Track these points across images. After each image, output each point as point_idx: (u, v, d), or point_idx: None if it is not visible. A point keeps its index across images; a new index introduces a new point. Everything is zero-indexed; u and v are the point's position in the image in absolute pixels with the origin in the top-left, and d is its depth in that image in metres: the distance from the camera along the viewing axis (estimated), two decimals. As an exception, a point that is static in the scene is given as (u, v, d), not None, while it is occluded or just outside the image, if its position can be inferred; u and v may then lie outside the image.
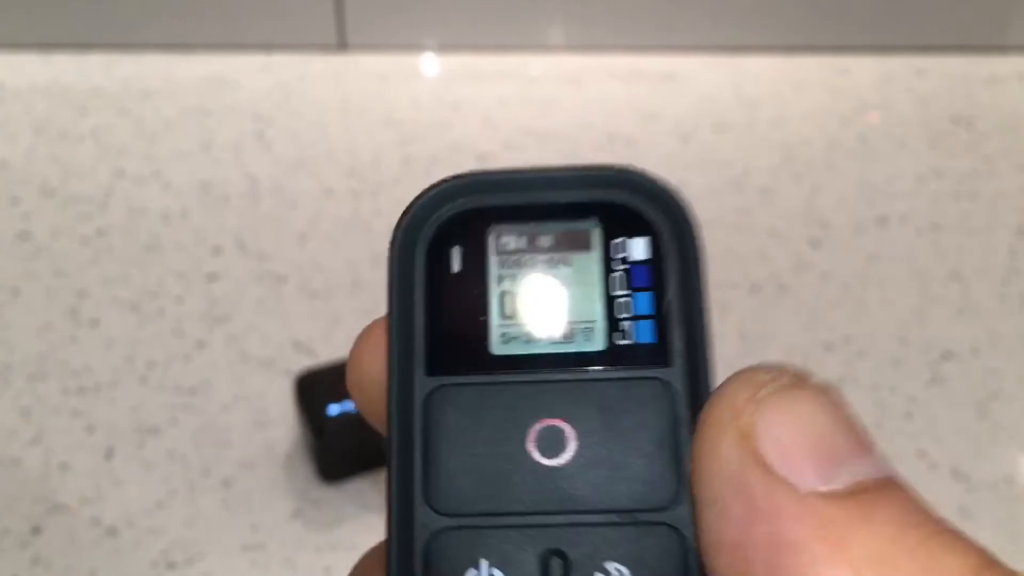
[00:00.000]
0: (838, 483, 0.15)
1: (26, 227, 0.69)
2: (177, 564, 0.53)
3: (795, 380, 0.16)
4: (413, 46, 0.82)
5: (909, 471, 0.59)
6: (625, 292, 0.16)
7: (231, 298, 0.65)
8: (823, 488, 0.14)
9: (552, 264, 0.17)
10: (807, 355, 0.63)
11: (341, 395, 0.54)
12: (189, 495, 0.56)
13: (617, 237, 0.17)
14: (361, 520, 0.55)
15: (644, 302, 0.16)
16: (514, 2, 0.80)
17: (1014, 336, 0.65)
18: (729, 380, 0.15)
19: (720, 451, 0.14)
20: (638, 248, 0.17)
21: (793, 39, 0.83)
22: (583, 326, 0.16)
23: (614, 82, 0.80)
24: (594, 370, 0.16)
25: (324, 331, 0.63)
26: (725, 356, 0.62)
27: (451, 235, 0.17)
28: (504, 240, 0.17)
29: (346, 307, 0.64)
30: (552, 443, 0.16)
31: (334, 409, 0.54)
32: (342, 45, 0.82)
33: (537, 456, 0.16)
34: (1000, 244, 0.70)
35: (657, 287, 0.16)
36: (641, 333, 0.16)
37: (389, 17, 0.81)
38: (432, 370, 0.17)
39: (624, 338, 0.16)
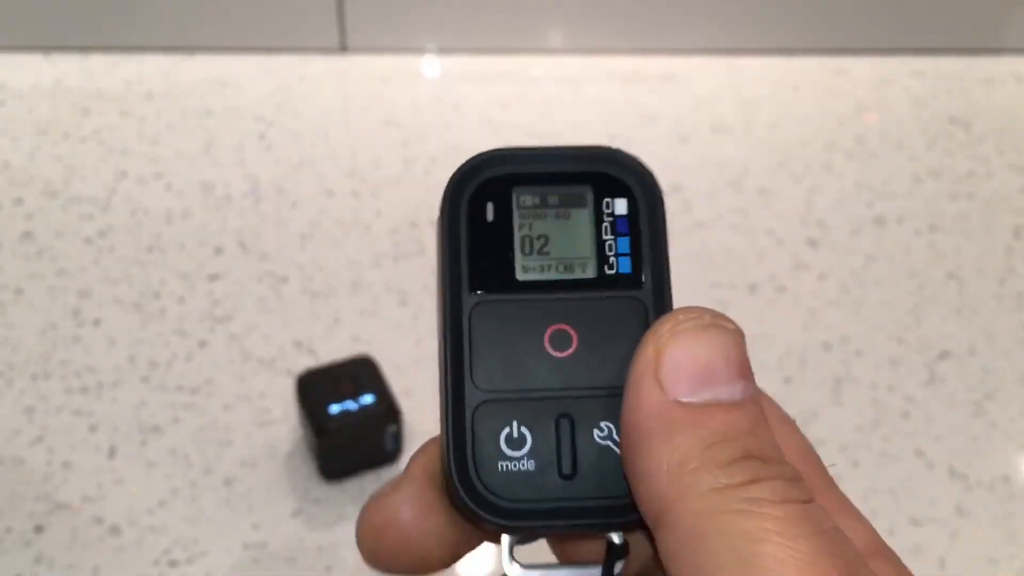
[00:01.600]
0: (697, 398, 0.19)
1: (29, 227, 0.69)
2: (179, 562, 0.53)
3: (710, 321, 0.20)
4: (413, 49, 0.83)
5: (907, 470, 0.60)
6: (610, 237, 0.23)
7: (233, 298, 0.65)
8: (683, 399, 0.19)
9: (558, 216, 0.23)
10: (805, 354, 0.63)
11: (342, 395, 0.55)
12: (191, 494, 0.56)
13: (605, 198, 0.23)
14: (362, 518, 0.55)
15: (624, 244, 0.23)
16: (514, 6, 0.81)
17: (1011, 336, 0.65)
18: (663, 315, 0.21)
19: (639, 360, 0.20)
20: (620, 206, 0.23)
21: (791, 41, 0.83)
22: (580, 260, 0.23)
23: (614, 83, 0.81)
24: (589, 291, 0.22)
25: (325, 331, 0.63)
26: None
27: (485, 193, 0.23)
28: (524, 198, 0.23)
29: (347, 307, 0.65)
30: (561, 342, 0.22)
31: (335, 409, 0.55)
32: (343, 48, 0.82)
33: (550, 350, 0.22)
34: (997, 244, 0.71)
35: (633, 234, 0.23)
36: (622, 265, 0.23)
37: (389, 20, 0.81)
38: (474, 289, 0.23)
39: (610, 269, 0.23)
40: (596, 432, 0.22)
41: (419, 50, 0.82)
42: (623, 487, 0.21)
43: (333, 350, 0.62)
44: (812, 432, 0.59)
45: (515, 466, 0.21)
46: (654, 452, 0.19)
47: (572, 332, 0.22)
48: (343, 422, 0.54)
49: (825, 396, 0.61)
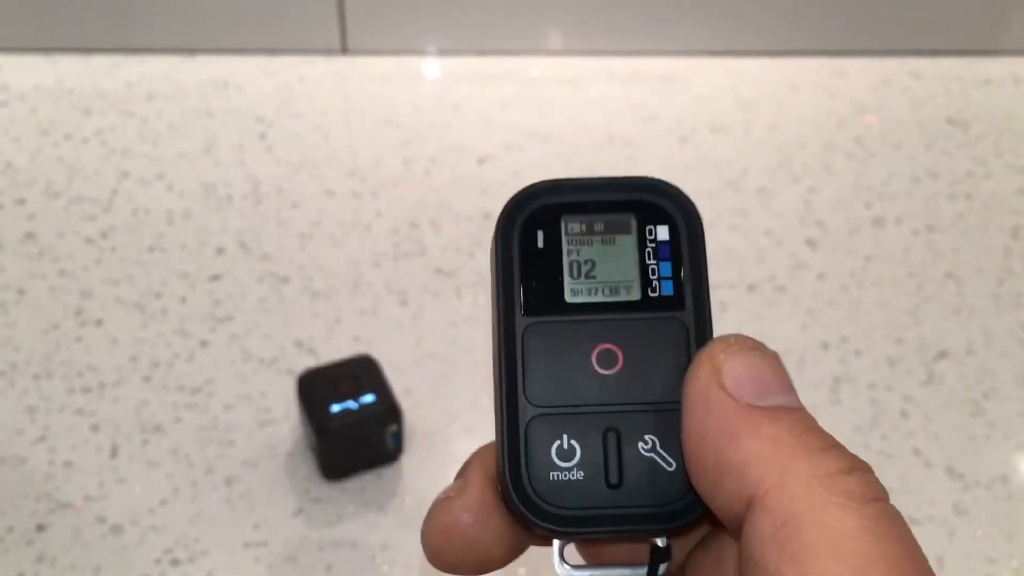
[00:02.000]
0: (764, 403, 0.22)
1: (31, 228, 0.70)
2: (180, 561, 0.54)
3: (753, 344, 0.23)
4: (414, 50, 0.83)
5: (905, 469, 0.60)
6: (653, 261, 0.24)
7: (234, 298, 0.66)
8: (754, 402, 0.22)
9: (604, 242, 0.24)
10: (804, 354, 0.63)
11: (342, 394, 0.55)
12: (192, 493, 0.56)
13: (648, 225, 0.24)
14: (362, 518, 0.55)
15: (666, 268, 0.24)
16: (514, 9, 0.81)
17: (1009, 336, 0.65)
18: (712, 340, 0.23)
19: (699, 378, 0.22)
20: (662, 232, 0.24)
21: (790, 42, 0.84)
22: (625, 284, 0.24)
23: (613, 84, 0.81)
24: (633, 312, 0.24)
25: (326, 331, 0.64)
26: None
27: (536, 222, 0.24)
28: (571, 226, 0.24)
29: (347, 307, 0.65)
30: (607, 360, 0.24)
31: (335, 408, 0.55)
32: (344, 49, 0.82)
33: (597, 368, 0.24)
34: (995, 245, 0.71)
35: (674, 258, 0.24)
36: (664, 288, 0.24)
37: (390, 22, 0.81)
38: (527, 312, 0.24)
39: (653, 291, 0.24)
40: (641, 444, 0.23)
41: (419, 51, 0.83)
42: (668, 495, 0.23)
43: (334, 350, 0.62)
44: (811, 431, 0.60)
45: (565, 476, 0.23)
46: (742, 446, 0.21)
47: (618, 351, 0.24)
48: (344, 422, 0.55)
49: (824, 395, 0.61)
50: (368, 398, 0.55)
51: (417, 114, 0.78)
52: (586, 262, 0.24)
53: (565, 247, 0.24)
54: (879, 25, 0.83)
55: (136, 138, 0.76)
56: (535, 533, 0.23)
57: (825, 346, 0.64)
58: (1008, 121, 0.80)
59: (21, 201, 0.71)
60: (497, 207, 0.25)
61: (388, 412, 0.55)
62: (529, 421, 0.23)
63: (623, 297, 0.24)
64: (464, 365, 0.61)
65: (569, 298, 0.24)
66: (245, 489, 0.56)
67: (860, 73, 0.82)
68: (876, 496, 0.21)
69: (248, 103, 0.78)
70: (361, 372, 0.56)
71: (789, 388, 0.22)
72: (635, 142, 0.77)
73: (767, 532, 0.20)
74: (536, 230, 0.24)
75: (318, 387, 0.56)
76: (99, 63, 0.81)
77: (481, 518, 0.23)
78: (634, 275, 0.24)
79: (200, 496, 0.56)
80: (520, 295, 0.24)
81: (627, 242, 0.24)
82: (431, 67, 0.82)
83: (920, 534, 0.57)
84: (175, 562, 0.54)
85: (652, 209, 0.24)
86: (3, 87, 0.79)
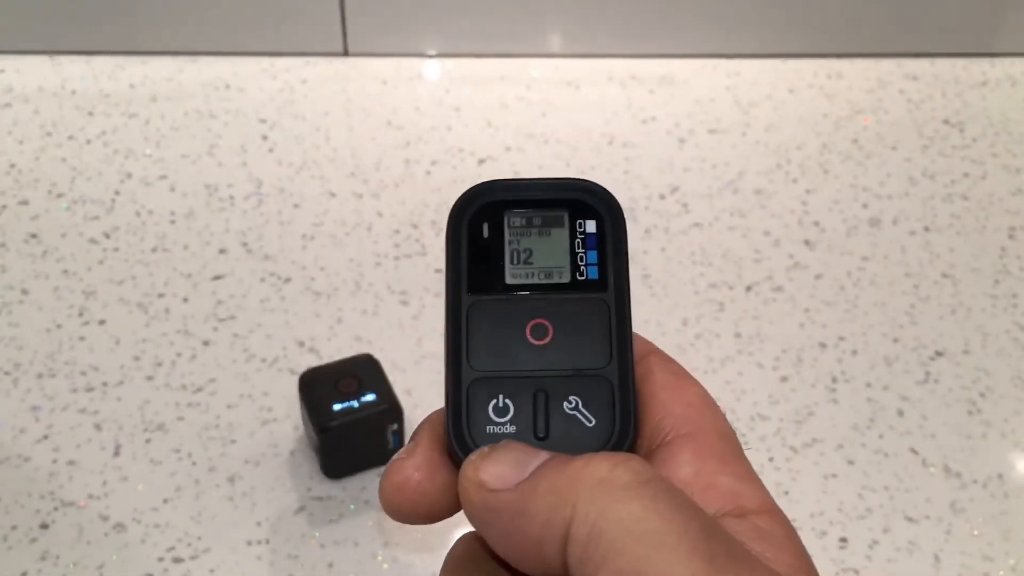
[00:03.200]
0: (527, 473, 0.24)
1: (35, 228, 0.70)
2: (183, 559, 0.54)
3: (490, 447, 0.25)
4: (414, 52, 0.83)
5: (901, 467, 0.60)
6: (582, 251, 0.28)
7: (236, 298, 0.66)
8: (524, 478, 0.24)
9: (540, 234, 0.28)
10: (802, 353, 0.64)
11: (343, 393, 0.55)
12: (195, 491, 0.56)
13: (578, 219, 0.28)
14: (363, 515, 0.56)
15: (592, 256, 0.27)
16: (514, 11, 0.81)
17: (1005, 335, 0.66)
18: (463, 466, 0.25)
19: (474, 501, 0.24)
20: (591, 226, 0.28)
21: (787, 44, 0.84)
22: (558, 269, 0.27)
23: (612, 86, 0.81)
24: (564, 293, 0.27)
25: (327, 330, 0.64)
26: (722, 354, 0.63)
27: (482, 215, 0.28)
28: (513, 219, 0.28)
29: (348, 307, 0.65)
30: (539, 333, 0.27)
31: (337, 407, 0.55)
32: (345, 51, 0.83)
33: (531, 339, 0.27)
34: (991, 245, 0.71)
35: (600, 248, 0.28)
36: (591, 273, 0.27)
37: (391, 24, 0.82)
38: (471, 290, 0.27)
39: (581, 276, 0.27)
40: (565, 404, 0.26)
41: (420, 53, 0.83)
42: (588, 447, 0.25)
43: (335, 349, 0.63)
44: (808, 430, 0.60)
45: (500, 429, 0.26)
46: (535, 515, 0.24)
47: (548, 325, 0.27)
48: (345, 420, 0.55)
49: (821, 395, 0.62)
50: (369, 397, 0.55)
51: (418, 115, 0.79)
52: (525, 250, 0.28)
53: (507, 237, 0.28)
54: (876, 27, 0.83)
55: (139, 139, 0.76)
56: None
57: (822, 346, 0.65)
58: (1004, 122, 0.80)
59: (25, 202, 0.72)
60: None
61: (389, 411, 0.56)
62: (470, 383, 0.26)
63: (555, 280, 0.27)
64: (464, 364, 0.61)
65: (509, 280, 0.27)
66: (247, 487, 0.57)
67: (857, 75, 0.83)
68: (647, 479, 0.22)
69: (250, 105, 0.79)
70: (362, 371, 0.56)
71: (534, 451, 0.24)
72: (634, 143, 0.77)
73: (580, 556, 0.22)
74: (482, 222, 0.28)
75: (320, 386, 0.56)
76: (102, 65, 0.81)
77: (429, 473, 0.26)
78: (566, 262, 0.27)
79: (202, 494, 0.56)
80: (467, 277, 0.27)
81: (560, 234, 0.28)
82: (432, 69, 0.83)
83: (917, 532, 0.57)
84: (178, 560, 0.54)
85: (582, 206, 0.28)
86: (7, 89, 0.80)
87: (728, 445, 0.26)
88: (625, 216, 0.28)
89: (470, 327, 0.27)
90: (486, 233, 0.28)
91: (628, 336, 0.27)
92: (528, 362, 0.27)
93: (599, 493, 0.22)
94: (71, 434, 0.59)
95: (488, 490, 0.24)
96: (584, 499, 0.22)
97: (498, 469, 0.24)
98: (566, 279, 0.27)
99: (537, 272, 0.27)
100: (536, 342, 0.27)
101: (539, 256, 0.27)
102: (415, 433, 0.27)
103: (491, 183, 0.28)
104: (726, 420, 0.27)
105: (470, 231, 0.28)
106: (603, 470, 0.23)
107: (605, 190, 0.28)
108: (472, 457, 0.25)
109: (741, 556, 0.22)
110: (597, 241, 0.28)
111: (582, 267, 0.27)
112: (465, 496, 0.24)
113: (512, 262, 0.27)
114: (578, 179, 0.28)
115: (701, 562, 0.21)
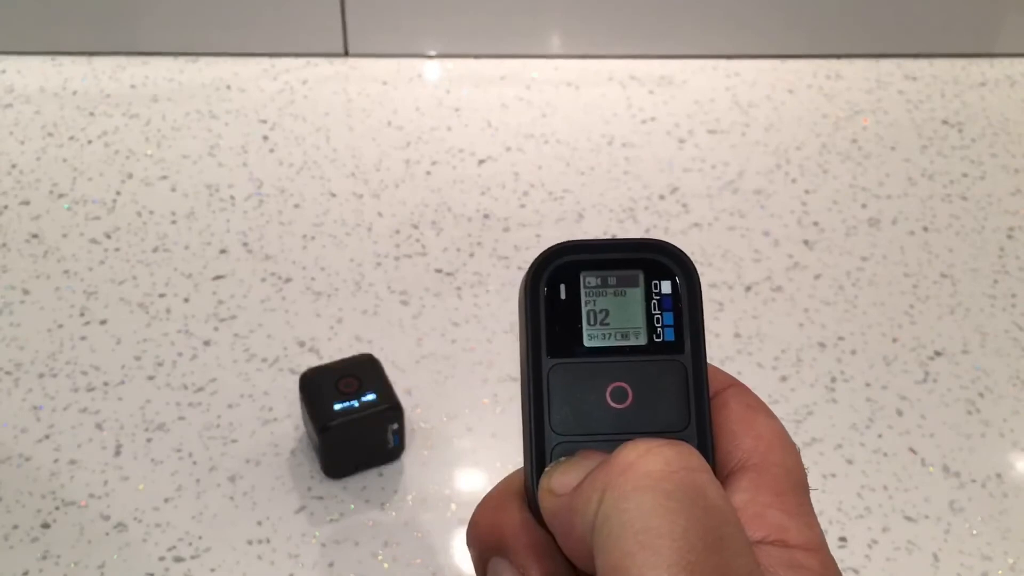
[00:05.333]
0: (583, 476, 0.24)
1: (36, 229, 0.70)
2: (184, 558, 0.54)
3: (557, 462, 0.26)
4: (415, 53, 0.83)
5: (900, 467, 0.60)
6: (658, 311, 0.28)
7: (237, 298, 0.66)
8: (579, 481, 0.24)
9: (616, 294, 0.28)
10: (801, 353, 0.64)
11: (344, 393, 0.56)
12: (196, 491, 0.57)
13: (654, 280, 0.28)
14: (364, 515, 0.56)
15: (668, 318, 0.28)
16: (514, 12, 0.82)
17: (1003, 335, 0.66)
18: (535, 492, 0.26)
19: (548, 506, 0.25)
20: (666, 286, 0.28)
21: (787, 45, 0.84)
22: (634, 330, 0.28)
23: (612, 86, 0.82)
24: (641, 355, 0.27)
25: (327, 330, 0.64)
26: (721, 354, 0.63)
27: (559, 276, 0.28)
28: (589, 280, 0.28)
29: (349, 307, 0.66)
30: (619, 396, 0.27)
31: (337, 407, 0.55)
32: (345, 52, 0.83)
33: (611, 403, 0.27)
34: (990, 245, 0.71)
35: (675, 309, 0.28)
36: (667, 335, 0.28)
37: (391, 25, 0.82)
38: (551, 354, 0.27)
39: (657, 337, 0.28)
40: None
41: (420, 54, 0.83)
42: None
43: (335, 349, 0.63)
44: (808, 430, 0.60)
45: None
46: (590, 503, 0.24)
47: (628, 389, 0.27)
48: (345, 420, 0.55)
49: (820, 394, 0.62)
50: (369, 397, 0.56)
51: (418, 116, 0.79)
52: (601, 311, 0.28)
53: (583, 298, 0.28)
54: (875, 28, 0.84)
55: (140, 140, 0.76)
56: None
57: (822, 345, 0.65)
58: (1003, 123, 0.80)
59: (26, 202, 0.72)
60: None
61: (389, 411, 0.56)
62: (554, 447, 0.27)
63: (632, 342, 0.28)
64: (464, 364, 0.61)
65: (587, 342, 0.28)
66: (248, 487, 0.57)
67: (856, 75, 0.83)
68: (675, 469, 0.22)
69: (251, 105, 0.79)
70: (363, 371, 0.57)
71: (599, 456, 0.25)
72: (633, 143, 0.77)
73: (594, 544, 0.22)
74: (559, 283, 0.28)
75: (320, 386, 0.56)
76: (103, 65, 0.81)
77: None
78: (642, 323, 0.28)
79: (203, 494, 0.56)
80: (545, 339, 0.28)
81: (636, 294, 0.28)
82: (432, 69, 0.83)
83: (916, 531, 0.57)
84: (179, 559, 0.54)
85: (657, 266, 0.28)
86: (8, 89, 0.80)
87: (790, 481, 0.25)
88: (700, 276, 0.28)
89: (551, 391, 0.27)
90: (563, 294, 0.28)
91: (705, 398, 0.27)
92: (609, 426, 0.27)
93: (622, 480, 0.22)
94: (72, 434, 0.59)
95: (555, 495, 0.24)
96: (611, 487, 0.22)
97: (566, 477, 0.24)
98: (643, 340, 0.28)
99: (614, 333, 0.28)
100: (616, 406, 0.27)
101: (615, 317, 0.28)
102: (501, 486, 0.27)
103: (567, 244, 0.29)
104: (798, 457, 0.26)
105: (548, 292, 0.28)
106: (634, 455, 0.23)
107: (680, 250, 0.28)
108: (548, 468, 0.25)
109: None
110: (672, 302, 0.28)
111: (658, 328, 0.28)
112: (541, 505, 0.25)
113: (590, 323, 0.28)
114: (653, 239, 0.28)
115: (680, 572, 0.20)
